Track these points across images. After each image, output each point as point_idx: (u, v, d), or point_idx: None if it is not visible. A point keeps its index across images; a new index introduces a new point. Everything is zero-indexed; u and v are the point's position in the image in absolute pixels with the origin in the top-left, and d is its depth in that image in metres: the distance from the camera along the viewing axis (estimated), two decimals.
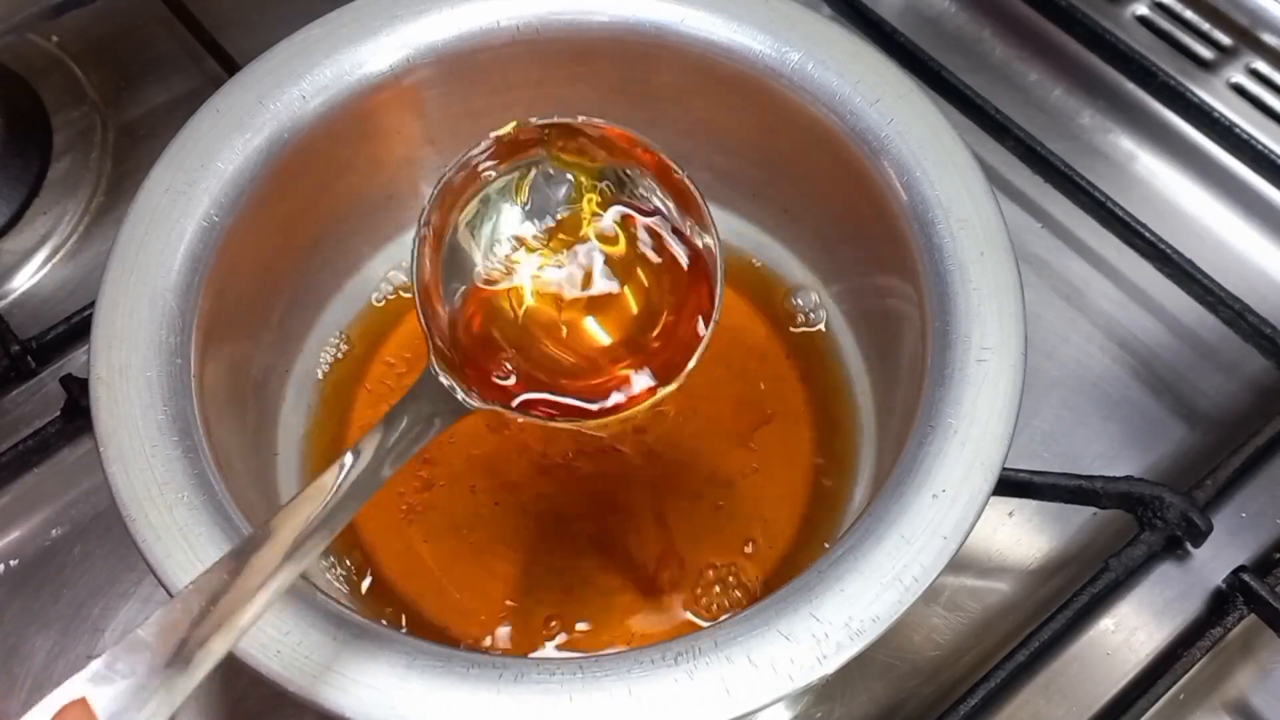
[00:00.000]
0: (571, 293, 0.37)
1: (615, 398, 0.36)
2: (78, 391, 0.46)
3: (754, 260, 0.48)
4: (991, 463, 0.34)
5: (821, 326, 0.47)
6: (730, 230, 0.49)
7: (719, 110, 0.45)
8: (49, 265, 0.53)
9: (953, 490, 0.34)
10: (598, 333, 0.37)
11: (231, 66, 0.54)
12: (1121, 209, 0.51)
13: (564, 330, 0.37)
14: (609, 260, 0.37)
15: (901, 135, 0.40)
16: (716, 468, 0.44)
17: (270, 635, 0.31)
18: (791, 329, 0.47)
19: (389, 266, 0.48)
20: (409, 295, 0.48)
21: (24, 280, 0.53)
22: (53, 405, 0.47)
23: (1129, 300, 0.53)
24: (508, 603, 0.42)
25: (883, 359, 0.45)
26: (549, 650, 0.41)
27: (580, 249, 0.37)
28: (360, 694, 0.31)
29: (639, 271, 0.37)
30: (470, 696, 0.31)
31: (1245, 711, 0.44)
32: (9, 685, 0.43)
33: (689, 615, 0.42)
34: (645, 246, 0.37)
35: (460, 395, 0.34)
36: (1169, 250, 0.50)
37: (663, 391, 0.36)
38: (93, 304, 0.37)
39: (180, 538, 0.33)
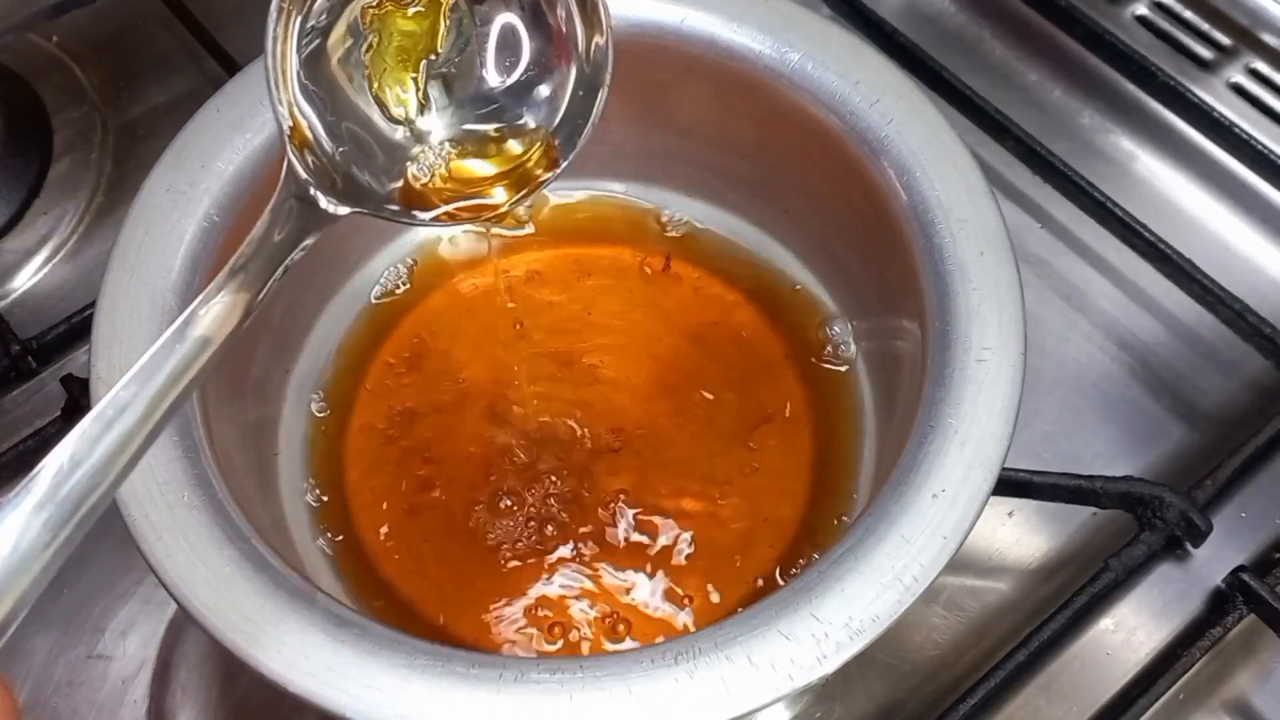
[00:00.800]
0: (447, 63, 0.35)
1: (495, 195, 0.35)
2: (78, 391, 0.46)
3: (753, 259, 0.48)
4: (991, 463, 0.34)
5: (821, 323, 0.47)
6: (729, 229, 0.49)
7: (719, 110, 0.45)
8: (49, 265, 0.53)
9: (952, 490, 0.34)
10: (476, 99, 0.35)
11: (232, 66, 0.54)
12: (1121, 209, 0.52)
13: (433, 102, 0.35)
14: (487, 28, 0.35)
15: (901, 135, 0.40)
16: (716, 467, 0.44)
17: (270, 635, 0.32)
18: (790, 326, 0.47)
19: (388, 266, 0.48)
20: (408, 294, 0.48)
21: (24, 280, 0.53)
22: (53, 405, 0.47)
23: (1129, 300, 0.53)
24: (508, 602, 0.42)
25: (882, 358, 0.45)
26: (549, 650, 0.41)
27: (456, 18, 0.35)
28: (360, 694, 0.31)
29: (524, 35, 0.35)
30: (470, 696, 0.31)
31: (1245, 711, 0.44)
32: (10, 684, 0.43)
33: (688, 615, 0.42)
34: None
35: (322, 200, 0.32)
36: (1169, 250, 0.50)
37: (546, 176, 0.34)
38: (93, 304, 0.37)
39: (180, 537, 0.33)
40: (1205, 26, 0.59)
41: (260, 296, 0.30)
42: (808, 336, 0.47)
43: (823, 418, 0.45)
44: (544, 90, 0.35)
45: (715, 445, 0.45)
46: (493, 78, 0.36)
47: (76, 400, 0.47)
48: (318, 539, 0.43)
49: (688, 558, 0.43)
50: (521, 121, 0.35)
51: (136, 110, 0.58)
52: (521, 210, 0.35)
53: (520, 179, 0.35)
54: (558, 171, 0.35)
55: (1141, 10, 0.60)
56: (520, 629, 0.42)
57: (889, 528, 0.33)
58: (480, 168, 0.36)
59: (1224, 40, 0.59)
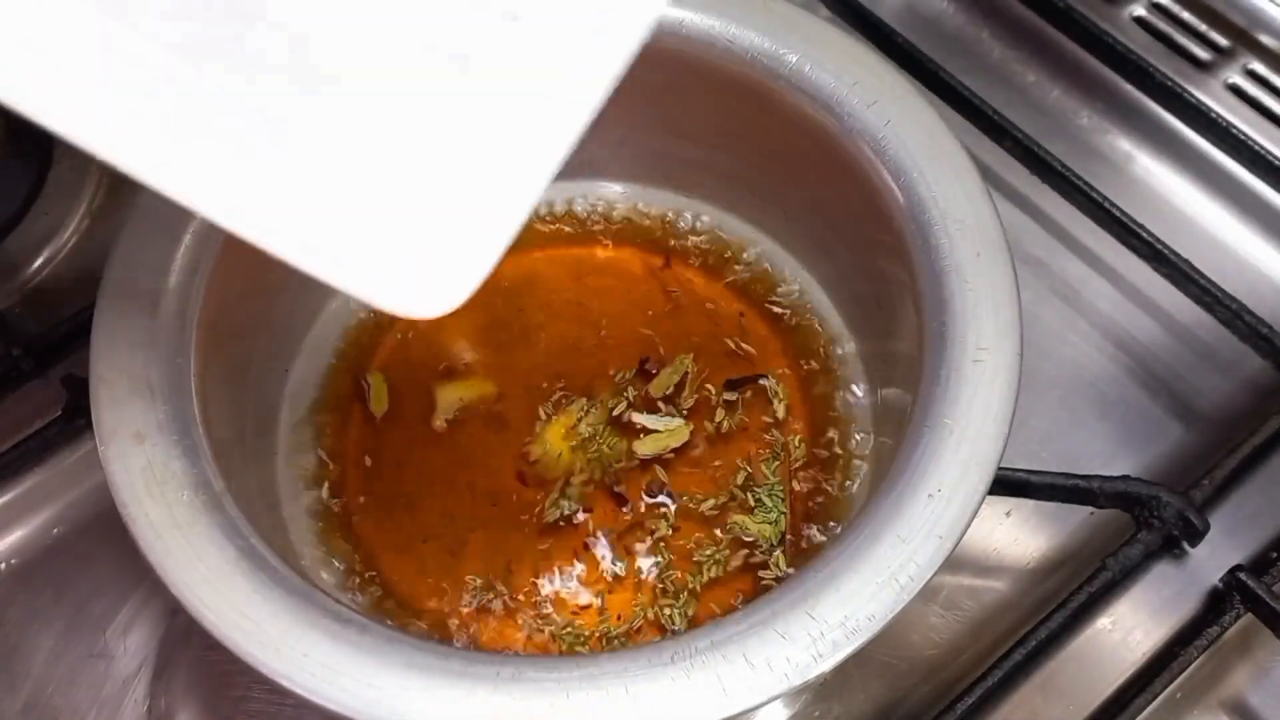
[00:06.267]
0: None
1: None
2: (78, 391, 0.47)
3: (751, 259, 0.49)
4: (987, 462, 0.34)
5: (819, 324, 0.47)
6: (728, 230, 0.49)
7: (717, 111, 0.45)
8: (50, 265, 0.53)
9: (948, 490, 0.34)
10: None
11: None
12: (1119, 209, 0.51)
13: None
14: None
15: (899, 136, 0.40)
16: (715, 465, 0.45)
17: (270, 634, 0.32)
18: (788, 327, 0.47)
19: None
20: None
21: (25, 280, 0.53)
22: (54, 405, 0.48)
23: (1126, 300, 0.53)
24: (507, 601, 0.42)
25: (880, 358, 0.45)
26: (549, 648, 0.41)
27: None
28: (360, 693, 0.31)
29: None
30: (468, 694, 0.31)
31: (1242, 710, 0.44)
32: (10, 684, 0.43)
33: (685, 609, 0.42)
34: None
35: None
36: (1166, 250, 0.50)
37: None
38: (93, 304, 0.37)
39: (180, 536, 0.33)
40: (1203, 27, 0.59)
41: None
42: (806, 336, 0.47)
43: (820, 417, 0.46)
44: None
45: (713, 445, 0.45)
46: None
47: (76, 400, 0.47)
48: (317, 537, 0.43)
49: (688, 556, 0.43)
50: None
51: None
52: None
53: None
54: None
55: (1139, 11, 0.60)
56: (519, 626, 0.42)
57: (885, 527, 0.33)
58: None
59: (1221, 41, 0.59)
